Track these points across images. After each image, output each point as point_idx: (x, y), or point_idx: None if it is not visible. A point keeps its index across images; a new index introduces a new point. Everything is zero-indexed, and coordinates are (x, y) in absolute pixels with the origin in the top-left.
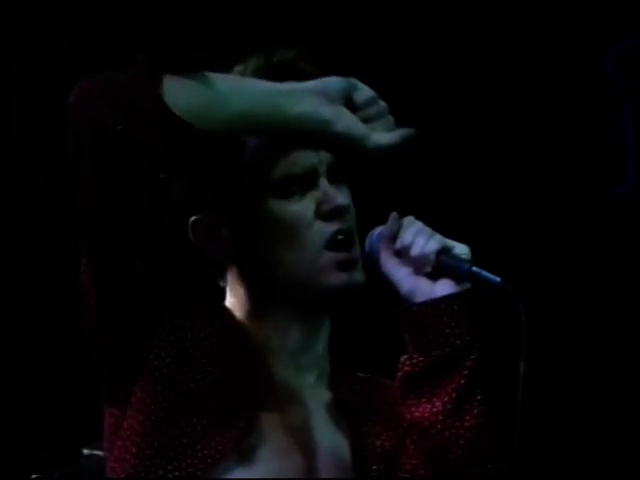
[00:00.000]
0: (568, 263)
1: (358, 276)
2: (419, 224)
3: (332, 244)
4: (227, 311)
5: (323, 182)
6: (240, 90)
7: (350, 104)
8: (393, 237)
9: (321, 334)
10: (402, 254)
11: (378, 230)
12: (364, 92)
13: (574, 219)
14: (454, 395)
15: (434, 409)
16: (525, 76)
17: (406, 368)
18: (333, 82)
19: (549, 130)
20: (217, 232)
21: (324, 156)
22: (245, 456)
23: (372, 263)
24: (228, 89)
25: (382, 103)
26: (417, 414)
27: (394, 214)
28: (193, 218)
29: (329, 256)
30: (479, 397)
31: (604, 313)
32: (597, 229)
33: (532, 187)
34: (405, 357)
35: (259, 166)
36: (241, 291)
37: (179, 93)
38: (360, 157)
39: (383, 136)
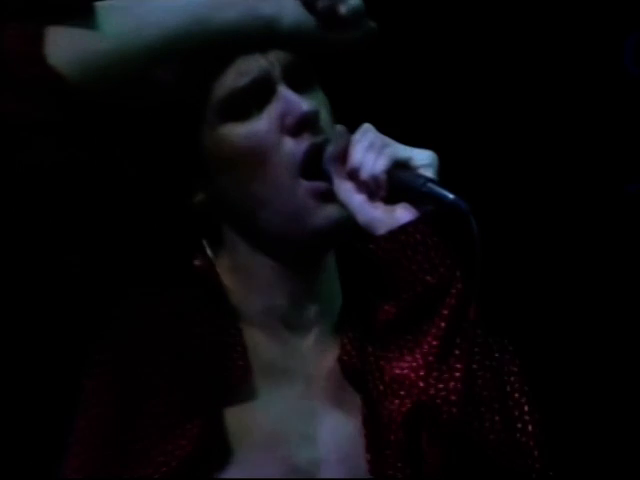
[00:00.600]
0: (582, 261)
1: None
2: (370, 136)
3: (308, 171)
4: (198, 281)
5: (282, 88)
6: (146, 14)
7: None
8: (342, 157)
9: (318, 286)
10: (354, 177)
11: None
12: None
13: (588, 216)
14: (435, 343)
15: (414, 363)
16: (541, 66)
17: (380, 317)
18: None
19: (564, 123)
20: (190, 192)
21: (276, 56)
22: (215, 456)
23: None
24: (131, 20)
25: None
26: (397, 371)
27: (340, 127)
28: (161, 187)
29: (307, 186)
30: (470, 338)
31: (618, 310)
32: (611, 226)
33: (545, 183)
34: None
35: (199, 92)
36: (223, 251)
37: (63, 47)
38: (318, 53)
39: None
